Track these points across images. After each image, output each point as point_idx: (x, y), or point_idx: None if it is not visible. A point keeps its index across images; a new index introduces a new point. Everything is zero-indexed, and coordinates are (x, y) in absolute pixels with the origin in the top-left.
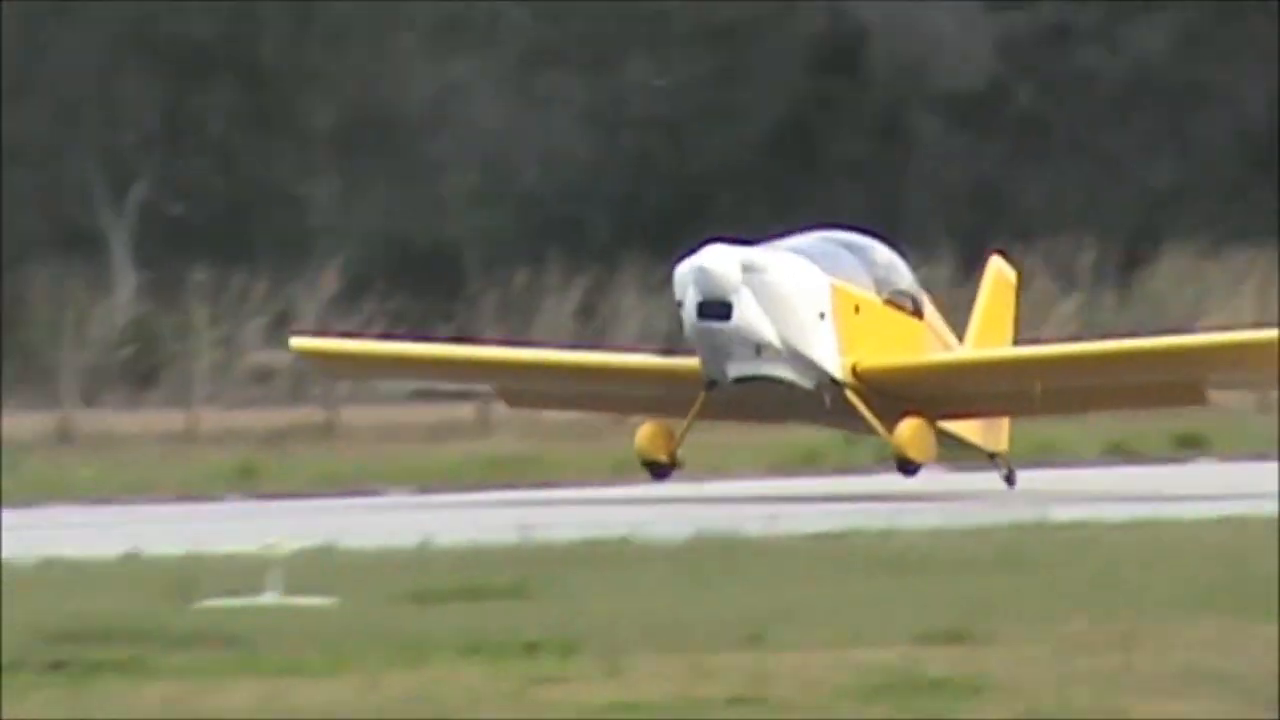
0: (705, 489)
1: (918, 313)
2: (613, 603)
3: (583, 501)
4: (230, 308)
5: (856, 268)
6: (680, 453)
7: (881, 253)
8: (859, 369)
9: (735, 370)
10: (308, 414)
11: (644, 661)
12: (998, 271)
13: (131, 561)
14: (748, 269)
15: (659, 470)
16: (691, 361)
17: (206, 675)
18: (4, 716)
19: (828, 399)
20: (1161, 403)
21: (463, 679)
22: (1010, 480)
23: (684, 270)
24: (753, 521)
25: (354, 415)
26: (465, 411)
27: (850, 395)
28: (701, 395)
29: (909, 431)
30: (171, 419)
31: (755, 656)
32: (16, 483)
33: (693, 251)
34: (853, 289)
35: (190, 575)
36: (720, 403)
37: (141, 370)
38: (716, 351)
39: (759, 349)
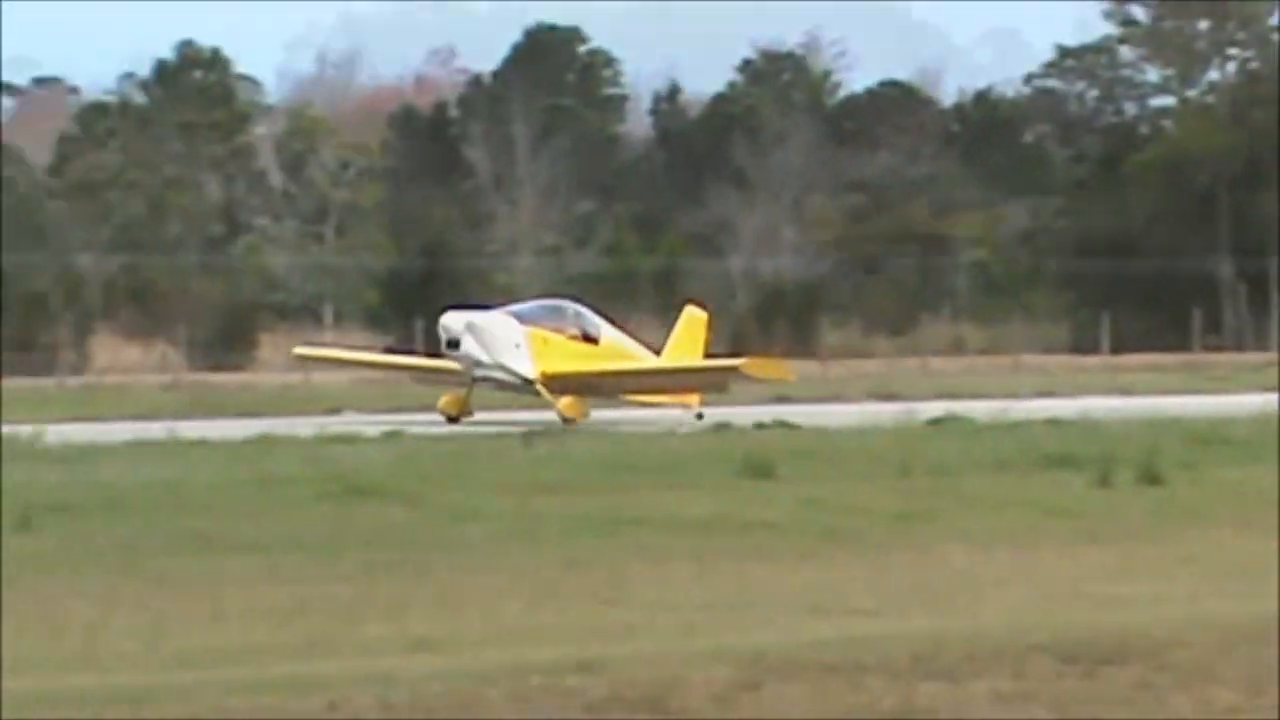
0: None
1: (592, 340)
2: None
3: None
4: None
5: (549, 319)
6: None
7: (571, 309)
8: (543, 373)
9: (477, 373)
10: None
11: None
12: (690, 314)
13: None
14: (469, 324)
15: (452, 420)
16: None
17: None
18: None
19: (532, 387)
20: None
21: None
22: (700, 417)
23: (440, 322)
24: None
25: None
26: None
27: (539, 386)
28: (470, 383)
29: (564, 403)
30: None
31: None
32: None
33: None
34: (542, 331)
35: None
36: (481, 386)
37: None
38: (464, 365)
39: (479, 364)
